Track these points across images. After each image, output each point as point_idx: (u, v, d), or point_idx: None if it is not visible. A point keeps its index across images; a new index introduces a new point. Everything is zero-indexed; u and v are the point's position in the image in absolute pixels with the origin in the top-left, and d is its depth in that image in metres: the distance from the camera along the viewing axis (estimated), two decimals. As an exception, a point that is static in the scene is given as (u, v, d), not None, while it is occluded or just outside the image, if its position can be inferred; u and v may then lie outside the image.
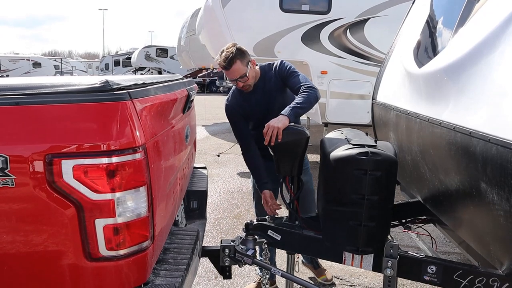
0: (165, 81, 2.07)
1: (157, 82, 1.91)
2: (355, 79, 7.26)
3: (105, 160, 1.36)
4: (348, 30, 7.23)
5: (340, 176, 2.14)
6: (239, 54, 2.75)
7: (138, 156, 1.42)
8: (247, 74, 2.78)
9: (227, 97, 3.03)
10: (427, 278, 2.14)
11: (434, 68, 2.26)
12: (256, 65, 2.93)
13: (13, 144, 1.34)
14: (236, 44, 2.81)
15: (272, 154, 2.47)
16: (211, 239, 4.25)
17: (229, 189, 6.11)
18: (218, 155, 7.68)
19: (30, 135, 1.35)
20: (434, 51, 2.44)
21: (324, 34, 7.21)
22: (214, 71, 14.02)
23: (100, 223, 1.38)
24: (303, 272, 3.50)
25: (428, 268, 2.13)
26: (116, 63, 35.00)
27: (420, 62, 2.52)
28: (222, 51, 2.77)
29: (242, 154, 2.97)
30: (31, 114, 1.36)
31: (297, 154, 2.42)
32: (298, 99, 2.59)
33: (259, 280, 3.27)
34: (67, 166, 1.34)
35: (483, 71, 1.82)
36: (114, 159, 1.36)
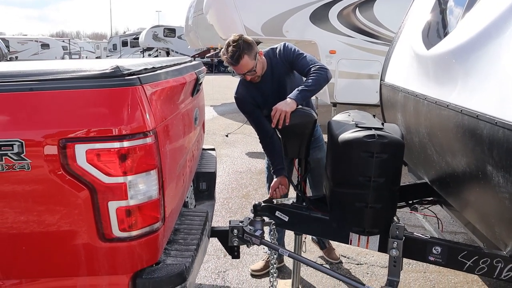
0: (174, 65, 2.09)
1: (166, 66, 1.93)
2: (364, 58, 7.20)
3: (117, 145, 1.40)
4: (357, 8, 7.14)
5: (347, 158, 2.16)
6: (246, 47, 2.62)
7: (148, 140, 1.46)
8: (255, 68, 2.69)
9: (236, 89, 2.92)
10: (432, 258, 2.18)
11: (442, 50, 2.25)
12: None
13: (28, 129, 1.38)
14: (242, 35, 2.68)
15: (280, 136, 2.50)
16: (220, 218, 4.32)
17: (237, 169, 6.16)
18: (227, 135, 7.71)
19: (44, 120, 1.39)
20: (443, 33, 2.43)
21: (333, 12, 7.12)
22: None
23: (113, 205, 1.43)
24: (311, 251, 3.56)
25: (433, 249, 2.16)
26: (124, 44, 34.83)
27: (428, 44, 2.50)
28: (228, 45, 2.63)
29: (260, 141, 2.94)
30: (45, 100, 1.40)
31: (305, 136, 2.44)
32: (307, 81, 2.58)
33: (267, 259, 3.33)
34: (81, 151, 1.38)
35: (491, 54, 1.82)
36: (126, 143, 1.40)
